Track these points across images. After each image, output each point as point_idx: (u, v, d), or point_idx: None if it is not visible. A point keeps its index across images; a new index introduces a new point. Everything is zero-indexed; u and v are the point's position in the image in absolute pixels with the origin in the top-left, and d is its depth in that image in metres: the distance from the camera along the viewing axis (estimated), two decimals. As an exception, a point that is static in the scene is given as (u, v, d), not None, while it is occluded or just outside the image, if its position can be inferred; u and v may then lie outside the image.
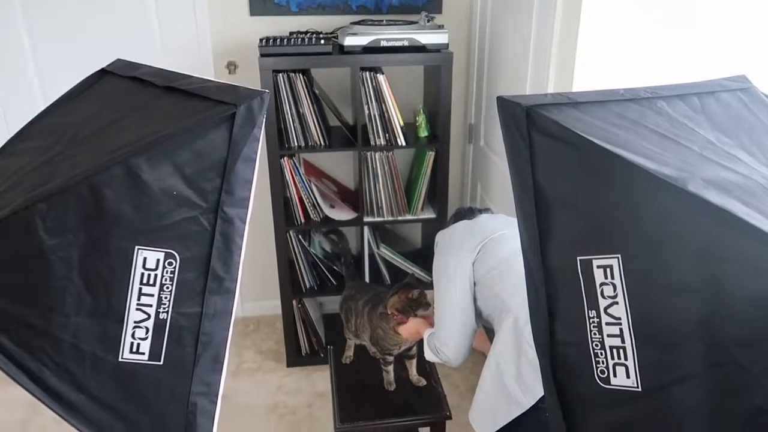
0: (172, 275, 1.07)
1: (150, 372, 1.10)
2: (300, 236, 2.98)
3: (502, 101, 1.06)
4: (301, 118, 2.74)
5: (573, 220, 1.02)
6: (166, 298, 1.08)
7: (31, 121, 1.26)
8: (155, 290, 1.07)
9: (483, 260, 1.87)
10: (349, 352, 2.48)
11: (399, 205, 2.91)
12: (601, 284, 0.98)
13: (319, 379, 3.06)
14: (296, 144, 2.77)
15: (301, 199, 2.86)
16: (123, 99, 1.23)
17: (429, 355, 2.00)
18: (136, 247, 1.05)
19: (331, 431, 2.71)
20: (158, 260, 1.06)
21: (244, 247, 1.11)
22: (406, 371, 2.32)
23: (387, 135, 2.78)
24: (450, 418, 2.20)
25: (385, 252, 3.06)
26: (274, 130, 2.69)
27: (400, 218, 2.94)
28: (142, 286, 1.06)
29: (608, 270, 0.97)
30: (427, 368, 2.38)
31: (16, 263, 1.02)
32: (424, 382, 2.28)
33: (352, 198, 3.07)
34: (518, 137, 1.03)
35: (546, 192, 1.03)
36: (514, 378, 1.64)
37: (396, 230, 3.41)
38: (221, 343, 1.13)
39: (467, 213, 2.10)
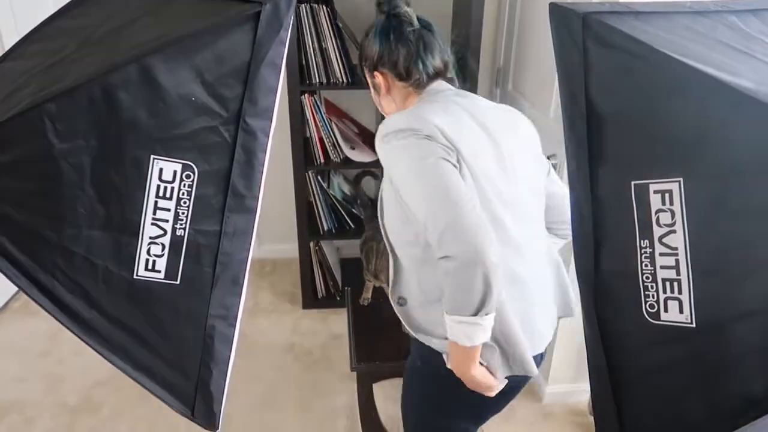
0: (189, 189, 1.00)
1: (166, 291, 1.03)
2: (319, 177, 2.89)
3: (555, 8, 0.96)
4: (323, 53, 2.62)
5: (629, 141, 0.92)
6: (183, 213, 1.00)
7: (39, 24, 1.17)
8: (172, 204, 1.00)
9: None
10: (367, 294, 2.42)
11: (422, 147, 2.81)
12: (658, 211, 0.89)
13: (335, 322, 3.02)
14: (318, 81, 2.65)
15: (321, 138, 2.77)
16: (138, 0, 1.14)
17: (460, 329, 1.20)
18: (152, 157, 0.97)
19: (347, 372, 2.70)
20: (175, 172, 0.98)
21: (267, 163, 1.03)
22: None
23: (412, 73, 2.65)
24: (468, 362, 2.15)
25: (406, 196, 2.97)
26: (295, 66, 2.57)
27: (422, 162, 2.84)
28: (158, 200, 0.99)
29: (667, 195, 0.88)
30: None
31: (23, 169, 0.94)
32: None
33: (373, 140, 2.97)
34: (572, 47, 0.93)
35: (600, 109, 0.93)
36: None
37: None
38: (241, 265, 1.06)
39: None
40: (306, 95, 2.66)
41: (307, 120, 2.71)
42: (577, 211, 0.98)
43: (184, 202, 1.00)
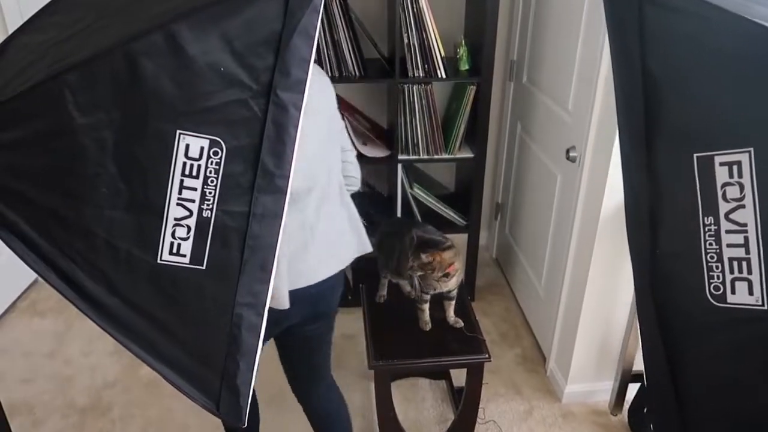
0: (217, 167, 0.93)
1: (191, 277, 0.97)
2: (331, 173, 2.83)
3: None
4: (336, 45, 2.56)
5: (691, 110, 0.86)
6: (210, 193, 0.94)
7: (56, -3, 1.10)
8: (198, 183, 0.93)
9: None
10: (383, 291, 2.35)
11: (436, 142, 2.75)
12: (724, 185, 0.83)
13: (346, 322, 2.94)
14: (330, 74, 2.59)
15: (333, 133, 2.70)
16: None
17: None
18: (178, 131, 0.90)
19: (360, 372, 2.64)
20: (202, 148, 0.92)
21: (299, 139, 0.97)
22: (442, 312, 2.19)
23: (426, 66, 2.59)
24: (489, 360, 2.08)
25: (419, 192, 2.90)
26: (307, 58, 2.51)
27: (436, 157, 2.78)
28: (184, 178, 0.92)
29: (735, 167, 0.81)
30: (468, 311, 2.25)
31: (41, 144, 0.88)
32: (461, 323, 2.15)
33: (385, 137, 2.91)
34: (626, 10, 0.87)
35: (657, 76, 0.87)
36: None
37: (429, 172, 3.25)
38: (269, 249, 0.99)
39: None
40: (318, 89, 2.59)
41: (319, 114, 2.65)
42: (630, 188, 0.92)
43: (212, 181, 0.93)
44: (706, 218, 0.85)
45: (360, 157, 2.73)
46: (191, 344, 1.01)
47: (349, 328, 2.91)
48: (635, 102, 0.88)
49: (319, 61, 2.57)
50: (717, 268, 0.85)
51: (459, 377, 2.57)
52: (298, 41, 0.91)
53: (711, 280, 0.85)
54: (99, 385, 2.54)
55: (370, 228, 2.86)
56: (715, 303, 0.86)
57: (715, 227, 0.84)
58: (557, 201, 2.52)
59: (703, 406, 0.91)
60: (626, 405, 2.42)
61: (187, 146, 0.91)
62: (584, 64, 2.22)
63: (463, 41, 2.70)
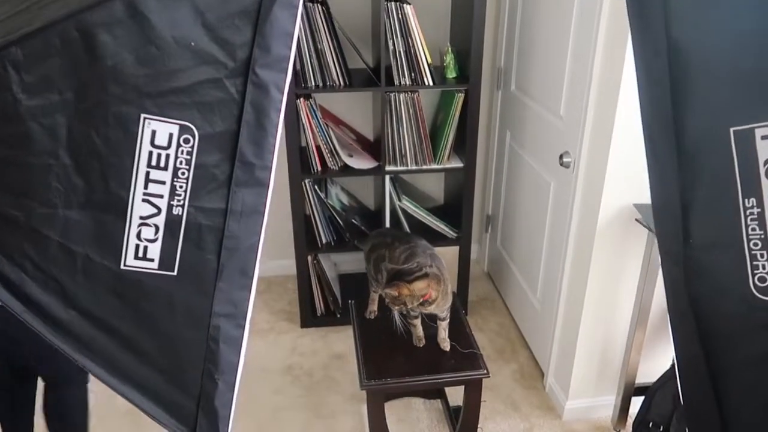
0: (188, 157, 0.81)
1: (161, 284, 0.84)
2: (316, 186, 2.71)
3: None
4: (319, 54, 2.46)
5: (725, 80, 0.76)
6: (181, 187, 0.82)
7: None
8: (167, 176, 0.81)
9: None
10: (373, 306, 2.22)
11: (424, 152, 2.64)
12: None
13: (336, 340, 2.81)
14: (314, 84, 2.49)
15: (317, 145, 2.59)
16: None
17: None
18: (142, 116, 0.78)
19: (352, 393, 2.49)
20: (171, 135, 0.80)
21: (281, 126, 0.85)
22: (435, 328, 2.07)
23: (413, 74, 2.50)
24: (488, 375, 1.95)
25: (408, 205, 2.79)
26: (289, 68, 2.41)
27: (424, 167, 2.67)
28: (151, 170, 0.80)
29: (779, 140, 0.71)
30: (463, 326, 2.13)
31: (-18, 132, 0.76)
32: (447, 346, 2.00)
33: (372, 148, 2.80)
34: None
35: (684, 47, 0.77)
36: None
37: (417, 185, 3.15)
38: (250, 252, 0.87)
39: None
40: (301, 99, 2.49)
41: (303, 126, 2.54)
42: (657, 170, 0.81)
43: (182, 173, 0.81)
44: (746, 200, 0.74)
45: (346, 169, 2.63)
46: (162, 362, 0.88)
47: (339, 347, 2.77)
48: (660, 77, 0.78)
49: (302, 71, 2.47)
50: (762, 256, 0.74)
51: (455, 395, 2.43)
52: (279, 12, 0.80)
53: (755, 271, 0.75)
54: (73, 416, 2.36)
55: (357, 242, 2.75)
56: (760, 296, 0.75)
57: (758, 210, 0.73)
58: (551, 209, 2.42)
59: (748, 413, 0.79)
60: (629, 420, 2.30)
61: (153, 133, 0.79)
62: (576, 67, 2.14)
63: (450, 48, 2.62)
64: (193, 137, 0.80)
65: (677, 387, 2.12)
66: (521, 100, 2.69)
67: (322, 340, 2.81)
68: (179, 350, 0.88)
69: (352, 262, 3.17)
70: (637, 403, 2.23)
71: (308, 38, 2.42)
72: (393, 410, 2.39)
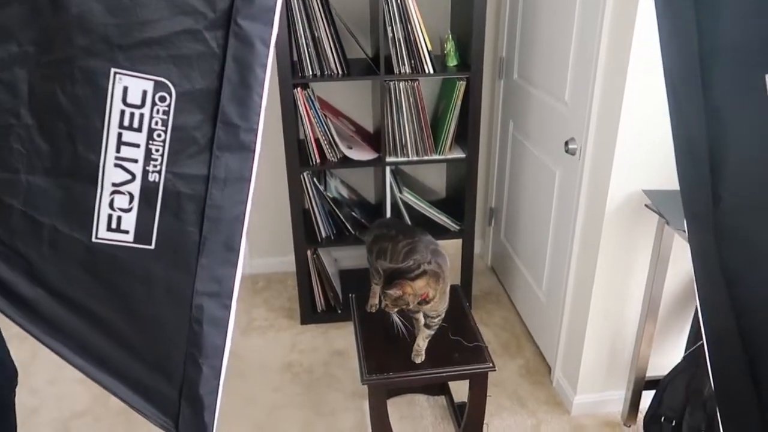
0: (165, 117, 0.73)
1: (137, 259, 0.76)
2: (315, 179, 2.63)
3: None
4: (316, 42, 2.38)
5: (756, 21, 0.68)
6: (157, 151, 0.74)
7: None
8: (142, 138, 0.73)
9: None
10: (375, 300, 2.13)
11: (425, 143, 2.56)
12: (808, 108, 0.64)
13: (337, 337, 2.73)
14: (311, 73, 2.41)
15: (316, 136, 2.51)
16: None
17: None
18: (113, 70, 0.70)
19: (353, 390, 2.41)
20: (145, 93, 0.72)
21: (268, 84, 0.77)
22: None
23: (413, 62, 2.42)
24: (494, 369, 1.87)
25: (409, 197, 2.71)
26: (286, 57, 2.33)
27: (426, 158, 2.59)
28: (123, 131, 0.72)
29: (822, 84, 0.63)
30: (467, 319, 2.05)
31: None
32: (421, 359, 1.86)
33: (372, 139, 2.72)
34: None
35: None
36: None
37: (419, 177, 3.07)
38: (236, 223, 0.79)
39: None
40: (299, 89, 2.41)
41: (301, 116, 2.46)
42: (682, 128, 0.73)
43: (159, 135, 0.73)
44: (784, 154, 0.66)
45: (346, 161, 2.55)
46: (140, 346, 0.80)
47: (340, 343, 2.68)
48: (686, 19, 0.70)
49: (299, 60, 2.39)
50: (804, 216, 0.66)
51: (459, 392, 2.34)
52: None
53: (797, 234, 0.66)
54: (66, 416, 2.28)
55: (359, 234, 2.67)
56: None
57: (799, 164, 0.65)
58: (557, 199, 2.34)
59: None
60: (640, 415, 2.21)
61: (125, 90, 0.71)
62: (581, 49, 2.06)
63: (450, 36, 2.54)
64: (170, 95, 0.73)
65: (690, 379, 2.04)
66: (524, 88, 2.60)
67: (323, 337, 2.73)
68: (159, 332, 0.80)
69: (353, 257, 3.09)
70: (647, 397, 2.15)
71: (305, 26, 2.35)
72: (396, 407, 2.30)
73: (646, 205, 1.92)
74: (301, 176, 2.57)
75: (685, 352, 2.09)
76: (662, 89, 1.82)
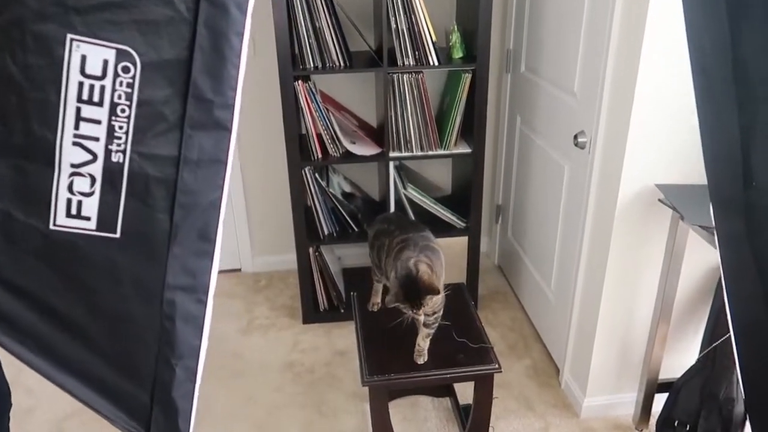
0: (129, 90, 0.65)
1: (100, 249, 0.68)
2: (317, 175, 2.55)
3: None
4: (317, 33, 2.30)
5: None
6: (121, 128, 0.66)
7: None
8: (104, 114, 0.65)
9: None
10: (377, 299, 2.06)
11: (430, 137, 2.48)
12: None
13: (339, 337, 2.65)
14: (312, 65, 2.33)
15: (317, 130, 2.44)
16: None
17: None
18: (69, 36, 0.63)
19: (355, 391, 2.33)
20: (106, 63, 0.64)
21: (245, 56, 0.69)
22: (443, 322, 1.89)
23: (417, 53, 2.34)
24: (500, 370, 1.78)
25: (413, 193, 2.63)
26: (286, 49, 2.26)
27: (430, 153, 2.50)
28: (82, 106, 0.64)
29: None
30: (473, 319, 1.97)
31: None
32: (423, 359, 1.78)
33: (376, 135, 2.64)
34: None
35: None
36: None
37: (423, 173, 2.98)
38: (211, 210, 0.71)
39: None
40: (299, 81, 2.34)
41: (302, 109, 2.38)
42: (711, 108, 0.64)
43: (122, 111, 0.66)
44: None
45: (348, 156, 2.47)
46: (106, 345, 0.72)
47: (342, 343, 2.60)
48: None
49: (300, 52, 2.32)
50: None
51: (464, 393, 2.26)
52: None
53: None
54: (60, 417, 2.22)
55: (366, 226, 2.58)
56: None
57: None
58: (565, 194, 2.25)
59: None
60: (653, 418, 2.12)
61: (83, 59, 0.63)
62: (591, 38, 1.97)
63: (456, 27, 2.45)
64: (134, 65, 0.65)
65: (705, 382, 1.94)
66: (532, 80, 2.51)
67: (325, 336, 2.65)
68: (126, 330, 0.72)
69: (356, 255, 3.01)
70: (660, 400, 2.05)
71: (306, 16, 2.27)
72: (399, 409, 2.22)
73: (659, 200, 1.83)
74: (303, 172, 2.49)
75: (700, 353, 2.00)
76: (678, 77, 1.73)
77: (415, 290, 1.63)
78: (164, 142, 0.67)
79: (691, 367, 1.97)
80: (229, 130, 0.69)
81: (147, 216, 0.68)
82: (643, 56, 1.69)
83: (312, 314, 2.72)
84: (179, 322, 0.71)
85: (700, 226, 1.65)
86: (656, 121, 1.77)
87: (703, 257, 1.96)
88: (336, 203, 2.59)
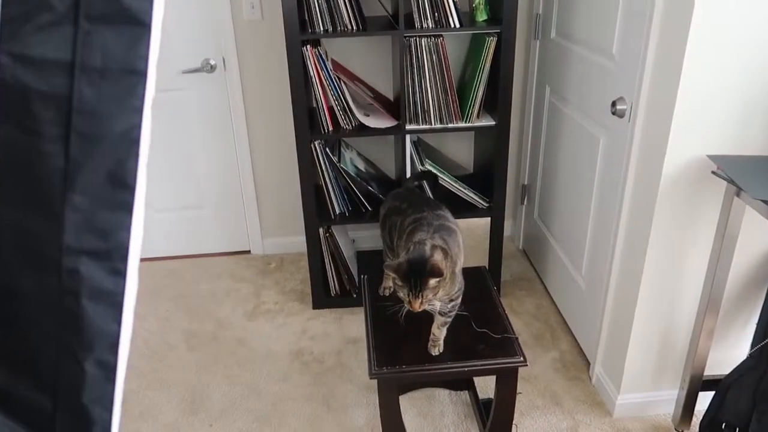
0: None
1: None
2: (328, 150, 2.33)
3: None
4: (328, -7, 2.08)
5: None
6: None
7: None
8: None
9: None
10: (389, 282, 1.84)
11: (450, 108, 2.24)
12: None
13: (352, 323, 2.44)
14: (322, 28, 2.11)
15: (327, 100, 2.22)
16: None
17: None
18: None
19: (367, 382, 2.12)
20: None
21: None
22: (461, 311, 1.66)
23: (436, 15, 2.10)
24: (525, 363, 1.55)
25: (432, 170, 2.39)
26: (293, 11, 2.04)
27: (450, 126, 2.26)
28: None
29: None
30: (496, 307, 1.74)
31: None
32: (438, 351, 1.56)
33: (393, 108, 2.41)
34: None
35: None
36: None
37: (443, 149, 2.75)
38: (125, 142, 0.49)
39: None
40: (308, 46, 2.11)
41: (311, 77, 2.16)
42: None
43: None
44: None
45: (362, 129, 2.25)
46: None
47: (354, 330, 2.39)
48: None
49: (308, 15, 2.09)
50: None
51: (485, 387, 2.04)
52: None
53: None
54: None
55: (376, 214, 2.37)
56: None
57: None
58: (600, 169, 2.00)
59: None
60: (695, 418, 1.87)
61: None
62: (634, -11, 1.71)
63: (480, -11, 2.20)
64: None
65: (758, 380, 1.69)
66: (563, 46, 2.25)
67: (336, 323, 2.44)
68: (15, 312, 0.51)
69: (370, 238, 2.80)
70: (704, 399, 1.80)
71: (315, -25, 2.05)
72: (413, 402, 2.01)
73: (713, 172, 1.57)
74: (312, 146, 2.27)
75: (752, 347, 1.74)
76: (737, 34, 1.45)
77: (418, 269, 1.39)
78: (50, 39, 0.45)
79: (742, 363, 1.72)
80: (147, 26, 0.47)
81: (28, 146, 0.47)
82: (696, 13, 1.43)
83: (322, 299, 2.52)
84: (85, 300, 0.50)
85: (763, 201, 1.40)
86: (709, 83, 1.51)
87: (759, 239, 1.70)
88: (348, 181, 2.37)
